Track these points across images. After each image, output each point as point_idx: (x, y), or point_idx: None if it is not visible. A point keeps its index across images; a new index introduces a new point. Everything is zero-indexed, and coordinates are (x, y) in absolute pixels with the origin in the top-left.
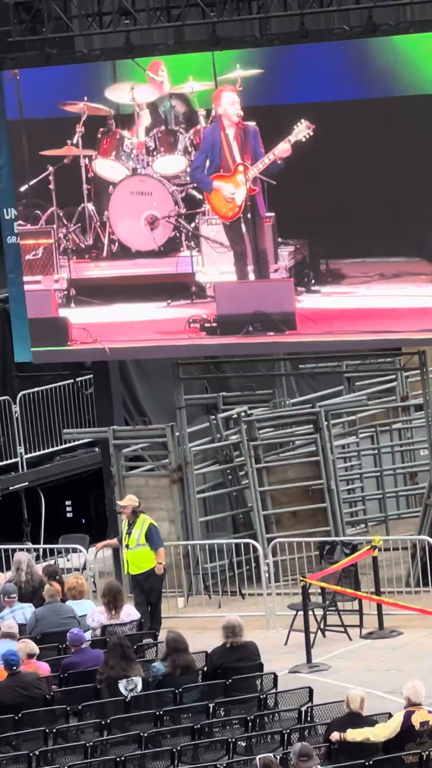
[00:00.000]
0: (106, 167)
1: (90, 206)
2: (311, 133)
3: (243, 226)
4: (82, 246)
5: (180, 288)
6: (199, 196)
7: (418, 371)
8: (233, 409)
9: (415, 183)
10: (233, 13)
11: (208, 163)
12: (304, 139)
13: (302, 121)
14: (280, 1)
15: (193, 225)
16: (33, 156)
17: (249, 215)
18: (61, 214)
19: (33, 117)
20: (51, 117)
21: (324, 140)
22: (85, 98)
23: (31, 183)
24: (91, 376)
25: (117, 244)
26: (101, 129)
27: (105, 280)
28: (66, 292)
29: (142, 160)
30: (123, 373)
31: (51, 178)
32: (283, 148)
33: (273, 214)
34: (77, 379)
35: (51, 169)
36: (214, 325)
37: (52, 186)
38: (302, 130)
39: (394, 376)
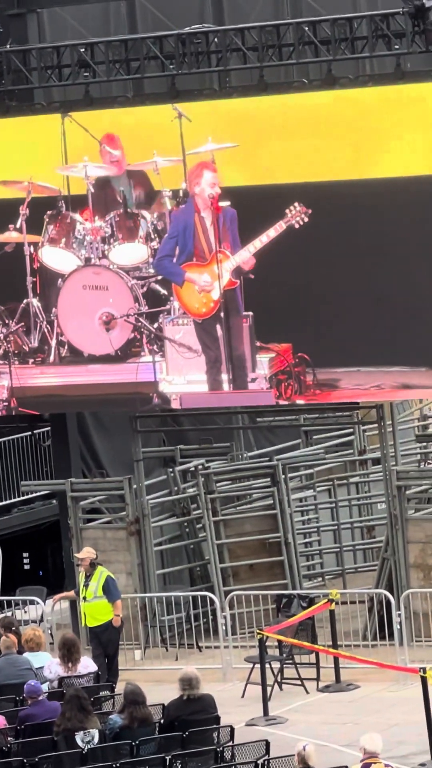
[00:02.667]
0: (55, 256)
1: (35, 302)
2: (306, 219)
3: (218, 325)
4: (26, 349)
5: (140, 399)
6: (164, 292)
7: (376, 425)
8: (191, 461)
9: (420, 279)
10: (192, 66)
11: (178, 251)
12: (297, 226)
13: (296, 204)
14: (239, 54)
15: (156, 325)
16: None
17: (223, 314)
18: (0, 311)
19: None
20: None
21: (312, 228)
22: (30, 176)
23: None
24: (49, 428)
25: (67, 347)
26: (49, 212)
27: (52, 389)
28: (6, 404)
29: (97, 249)
30: (81, 425)
31: None
32: (272, 236)
33: (251, 313)
34: (35, 431)
35: None
36: None
37: None
38: (296, 215)
39: (351, 430)
